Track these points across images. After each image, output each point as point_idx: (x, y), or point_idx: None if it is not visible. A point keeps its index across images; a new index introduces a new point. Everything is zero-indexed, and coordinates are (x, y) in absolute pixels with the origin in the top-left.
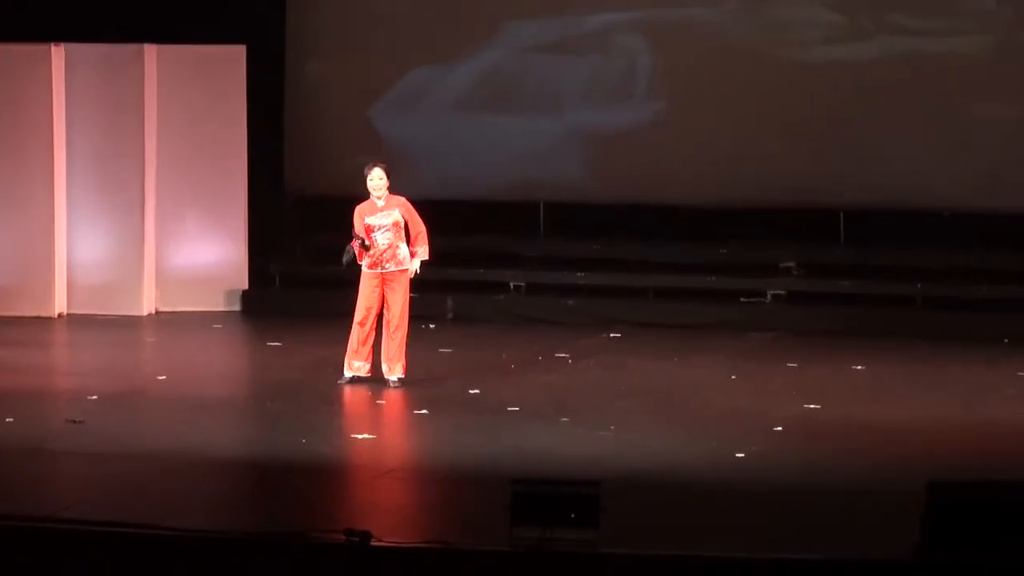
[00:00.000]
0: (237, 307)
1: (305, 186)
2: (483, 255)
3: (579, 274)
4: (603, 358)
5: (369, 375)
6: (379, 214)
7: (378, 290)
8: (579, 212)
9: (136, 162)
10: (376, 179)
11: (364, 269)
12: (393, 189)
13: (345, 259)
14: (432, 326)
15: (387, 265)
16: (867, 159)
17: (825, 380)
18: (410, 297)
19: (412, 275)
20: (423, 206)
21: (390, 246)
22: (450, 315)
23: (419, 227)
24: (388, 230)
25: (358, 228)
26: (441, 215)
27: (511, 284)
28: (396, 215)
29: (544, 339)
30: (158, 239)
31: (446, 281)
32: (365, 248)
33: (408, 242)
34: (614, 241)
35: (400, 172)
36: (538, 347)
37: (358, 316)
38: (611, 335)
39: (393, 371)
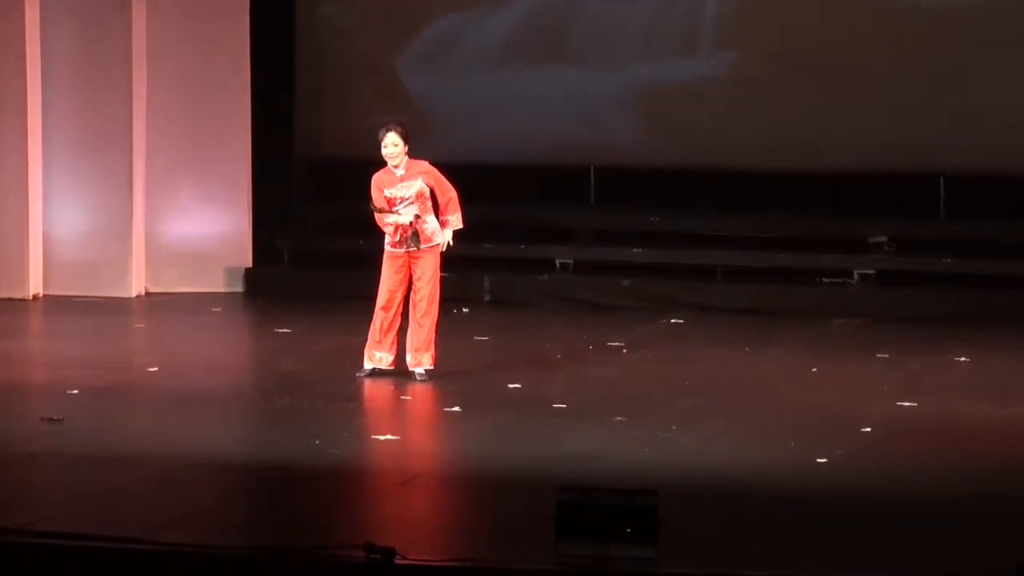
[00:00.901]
0: (239, 288)
1: (319, 148)
2: (525, 228)
3: (635, 250)
4: (663, 348)
5: (392, 367)
6: (399, 185)
7: (404, 270)
8: (635, 178)
9: (122, 122)
10: (390, 146)
11: (387, 248)
12: (419, 152)
13: (412, 241)
14: (466, 310)
15: (412, 242)
16: (972, 119)
17: (921, 373)
18: (441, 277)
19: (443, 248)
20: (455, 172)
21: (416, 221)
22: (487, 297)
23: (448, 192)
24: (412, 202)
25: (377, 200)
26: (476, 182)
27: (557, 262)
28: (419, 184)
29: (595, 325)
30: (148, 209)
31: (482, 258)
32: (414, 219)
33: (436, 212)
34: (676, 212)
35: (429, 133)
36: (588, 335)
37: (381, 300)
38: (672, 321)
39: (420, 362)
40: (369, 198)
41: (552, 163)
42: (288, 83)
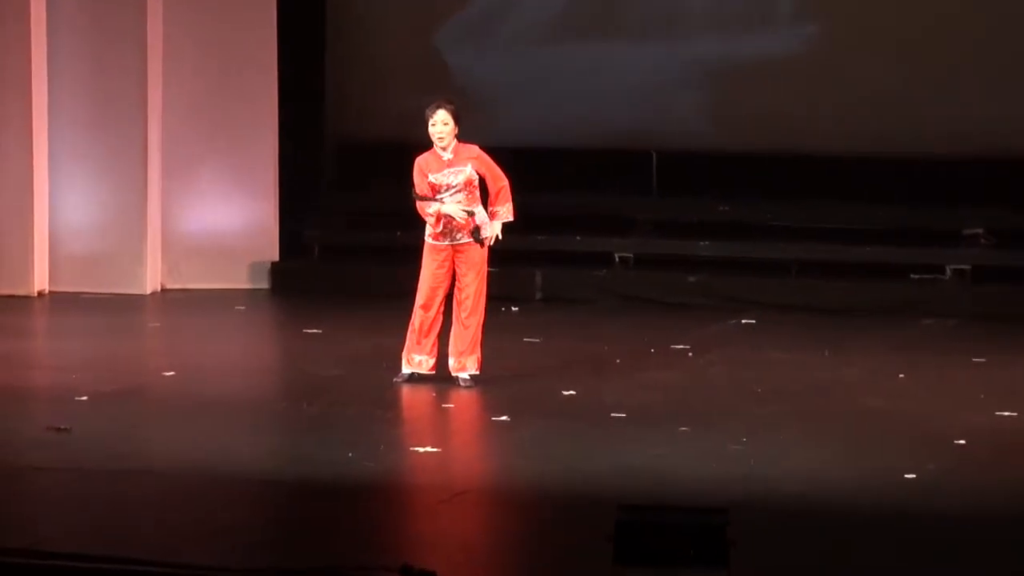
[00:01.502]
0: (265, 284)
1: (352, 132)
2: (580, 219)
3: (702, 243)
4: (733, 350)
5: (433, 372)
6: (447, 171)
7: (447, 266)
8: (701, 165)
9: (136, 102)
10: (439, 124)
11: (428, 240)
12: (464, 137)
13: (474, 237)
14: (515, 309)
15: (458, 235)
16: None
17: (1022, 380)
18: (488, 273)
19: (491, 242)
20: (503, 158)
21: (472, 218)
22: (539, 295)
23: (499, 180)
24: (459, 191)
25: (420, 187)
26: (527, 169)
27: (616, 256)
28: (468, 171)
29: (658, 326)
30: (165, 199)
31: (533, 252)
32: (470, 215)
33: (487, 202)
34: (746, 201)
35: (472, 115)
36: (650, 336)
37: (421, 298)
38: (743, 321)
39: (465, 367)
40: (411, 184)
41: (610, 148)
42: (318, 61)
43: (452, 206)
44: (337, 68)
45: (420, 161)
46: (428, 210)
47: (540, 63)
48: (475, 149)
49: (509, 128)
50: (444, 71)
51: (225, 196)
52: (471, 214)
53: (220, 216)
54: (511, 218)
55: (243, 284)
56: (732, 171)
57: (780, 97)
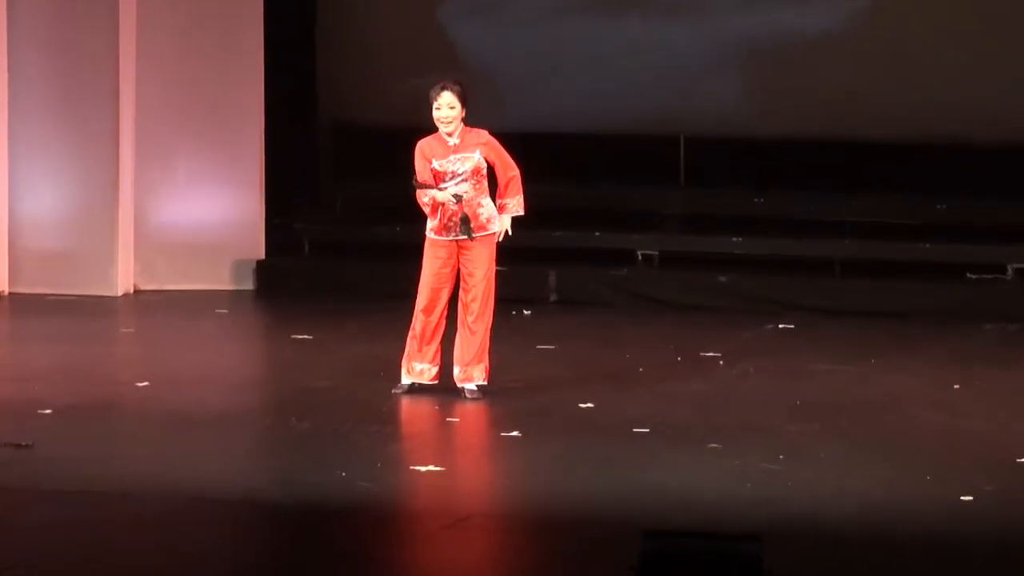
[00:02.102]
0: (249, 284)
1: (347, 116)
2: (599, 212)
3: (735, 239)
4: (769, 359)
5: (436, 382)
6: (452, 157)
7: (451, 264)
8: (735, 152)
9: (106, 82)
10: (444, 108)
11: (429, 235)
12: (472, 121)
13: (463, 229)
14: (527, 313)
15: (473, 237)
16: None
17: None
18: (497, 272)
19: (500, 238)
20: (514, 145)
21: (468, 203)
22: (553, 297)
23: (510, 170)
24: (465, 179)
25: (421, 174)
26: (540, 157)
27: (639, 253)
28: (476, 158)
29: (685, 331)
30: (138, 191)
31: (547, 249)
32: (458, 200)
33: (495, 194)
34: (785, 193)
35: (481, 98)
36: (677, 343)
37: (421, 301)
38: (780, 326)
39: (471, 377)
40: (412, 172)
41: (633, 133)
42: (309, 38)
43: (443, 192)
44: (330, 45)
45: (423, 145)
46: (423, 198)
47: (555, 40)
48: (484, 134)
49: (520, 111)
50: (448, 50)
51: (205, 187)
52: (459, 199)
53: (199, 209)
54: (522, 212)
55: (225, 285)
56: (769, 159)
57: (823, 77)
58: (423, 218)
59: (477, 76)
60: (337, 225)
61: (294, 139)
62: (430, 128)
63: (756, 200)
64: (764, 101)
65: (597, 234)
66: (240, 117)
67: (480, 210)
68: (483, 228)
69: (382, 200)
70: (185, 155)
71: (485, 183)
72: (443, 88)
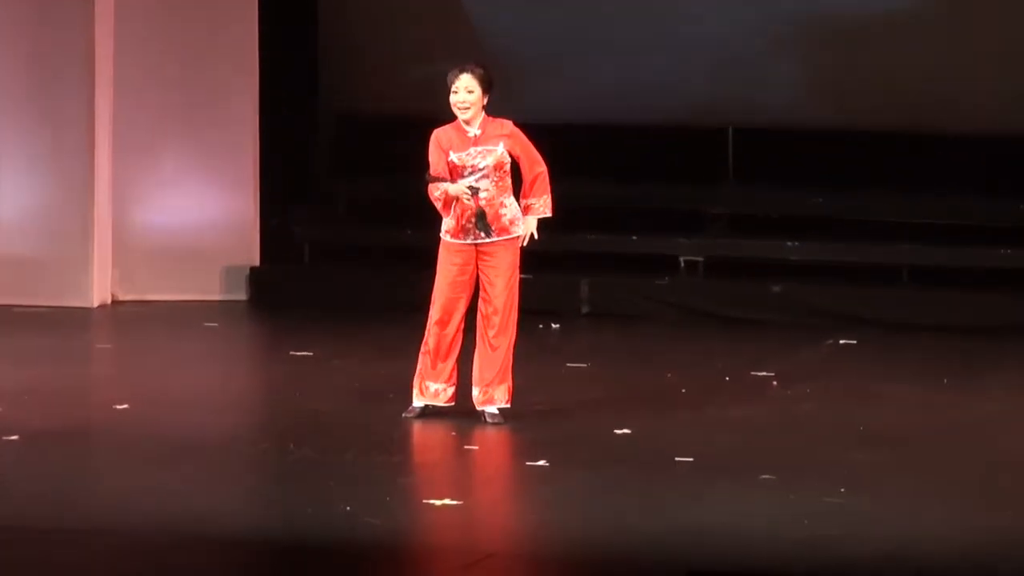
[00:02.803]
0: (242, 295)
1: (353, 105)
2: (636, 213)
3: (789, 243)
4: (828, 380)
5: (452, 404)
6: (472, 150)
7: (469, 271)
8: (790, 145)
9: (79, 69)
10: (462, 92)
11: (445, 237)
12: (494, 110)
13: (479, 225)
14: (556, 327)
15: (491, 235)
16: None
17: None
18: (521, 281)
19: (525, 242)
20: (541, 137)
21: (490, 201)
22: (584, 309)
23: (537, 165)
24: (486, 175)
25: (436, 167)
26: (570, 151)
27: (681, 259)
28: (499, 152)
29: (733, 348)
30: (116, 191)
31: (578, 254)
32: (475, 194)
33: (519, 192)
34: (847, 192)
35: (507, 85)
36: (724, 361)
37: (436, 313)
38: (842, 342)
39: (492, 399)
40: (426, 166)
41: (675, 123)
42: (310, 18)
43: (456, 185)
44: (333, 27)
45: (439, 135)
46: (435, 192)
47: (587, 19)
48: (508, 125)
49: (548, 99)
50: (467, 30)
51: (192, 185)
52: (475, 191)
53: (186, 210)
54: (549, 213)
55: (215, 295)
56: (829, 153)
57: (892, 61)
58: (438, 219)
59: (499, 60)
60: (340, 227)
61: (292, 132)
62: (446, 117)
63: (814, 200)
64: (824, 88)
65: (634, 238)
66: (232, 107)
67: (503, 210)
68: (506, 231)
69: (391, 199)
70: (170, 150)
71: (509, 180)
72: (461, 71)
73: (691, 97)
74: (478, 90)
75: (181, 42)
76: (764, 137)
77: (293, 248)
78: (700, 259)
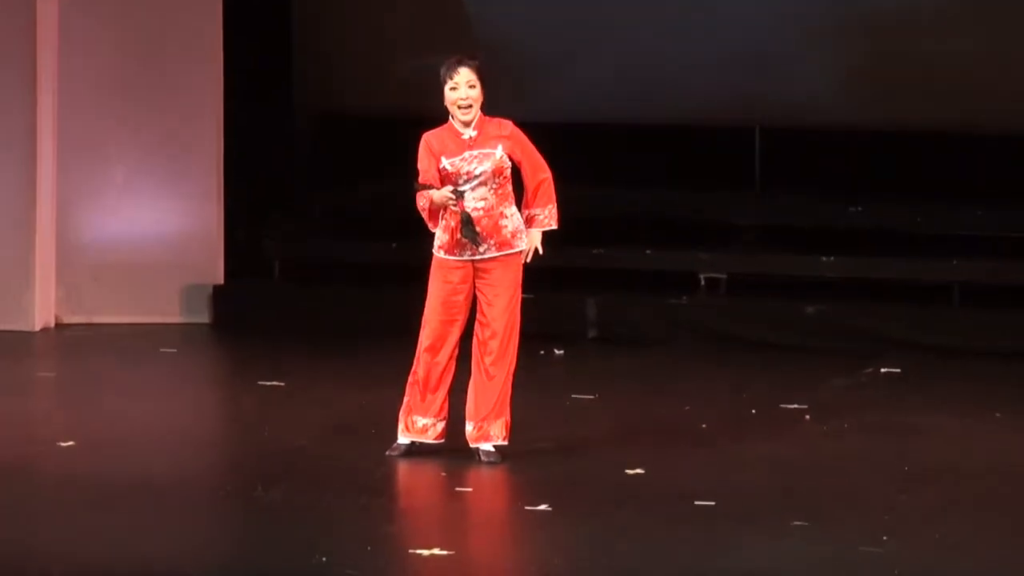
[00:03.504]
0: (204, 317)
1: (332, 104)
2: (651, 224)
3: (824, 258)
4: (869, 412)
5: (442, 441)
6: (467, 154)
7: (464, 291)
8: (826, 147)
9: (20, 68)
10: (463, 87)
11: (438, 253)
12: (492, 109)
13: (465, 232)
14: (559, 352)
15: (481, 247)
16: None
17: None
18: (522, 300)
19: (529, 258)
20: (544, 138)
21: (488, 211)
22: (592, 332)
23: (540, 171)
24: (484, 182)
25: (426, 175)
26: (576, 154)
27: (701, 277)
28: (498, 156)
29: (761, 377)
30: (61, 201)
31: (585, 271)
32: (459, 198)
33: (521, 202)
34: (887, 200)
35: (504, 79)
36: (751, 391)
37: (426, 338)
38: (883, 370)
39: (488, 435)
40: (414, 173)
41: (695, 123)
42: (282, 9)
43: (440, 191)
44: (310, 13)
45: (430, 139)
46: (421, 203)
47: (596, 9)
48: (508, 125)
49: (550, 96)
50: (462, 20)
51: (147, 194)
52: (460, 196)
53: (140, 222)
54: (555, 225)
55: (173, 317)
56: (867, 157)
57: (939, 55)
58: (429, 232)
59: (496, 51)
60: (317, 240)
61: (262, 134)
62: (436, 117)
63: (852, 209)
64: (862, 83)
65: (648, 252)
66: (192, 104)
67: (503, 222)
68: (507, 244)
69: (375, 208)
70: (121, 152)
71: (509, 187)
72: (459, 63)
73: (712, 93)
74: (479, 85)
75: (134, 32)
76: (795, 138)
77: (262, 264)
78: (723, 276)
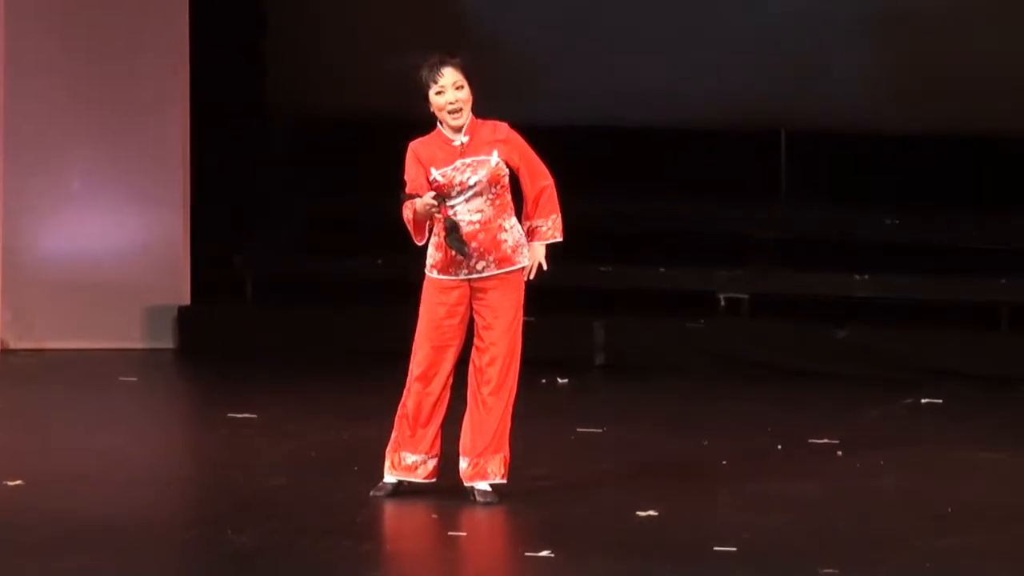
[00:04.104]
0: (168, 341)
1: (308, 105)
2: (664, 238)
3: (858, 276)
4: (906, 448)
5: (433, 480)
6: (459, 163)
7: (460, 313)
8: (858, 153)
9: None
10: (450, 89)
11: (431, 273)
12: (483, 110)
13: (450, 241)
14: (563, 381)
15: (478, 264)
16: None
17: None
18: (523, 323)
19: (532, 275)
20: (548, 143)
21: (486, 225)
22: (599, 359)
23: (541, 178)
24: (479, 193)
25: (413, 183)
26: (584, 160)
27: (720, 297)
28: (495, 163)
29: (788, 408)
30: (7, 211)
31: (592, 290)
32: (442, 202)
33: (521, 213)
34: (925, 211)
35: (499, 78)
36: (775, 424)
37: (418, 366)
38: (923, 401)
39: (484, 472)
40: (402, 183)
41: (714, 127)
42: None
43: (422, 198)
44: (284, 13)
45: (417, 148)
46: (405, 213)
47: (605, 2)
48: (503, 128)
49: (552, 97)
50: (451, 13)
51: (105, 204)
52: (442, 200)
53: (97, 237)
54: (560, 237)
55: (133, 342)
56: (904, 164)
57: (983, 53)
58: (418, 247)
59: (492, 48)
60: (293, 257)
61: (233, 139)
62: (425, 119)
63: (887, 221)
64: (898, 84)
65: (662, 270)
66: (156, 105)
67: (502, 235)
68: (507, 261)
69: (358, 221)
70: (77, 162)
71: (508, 197)
72: (442, 63)
73: (734, 95)
74: (467, 87)
75: (90, 26)
76: (823, 144)
77: (233, 282)
78: (744, 296)
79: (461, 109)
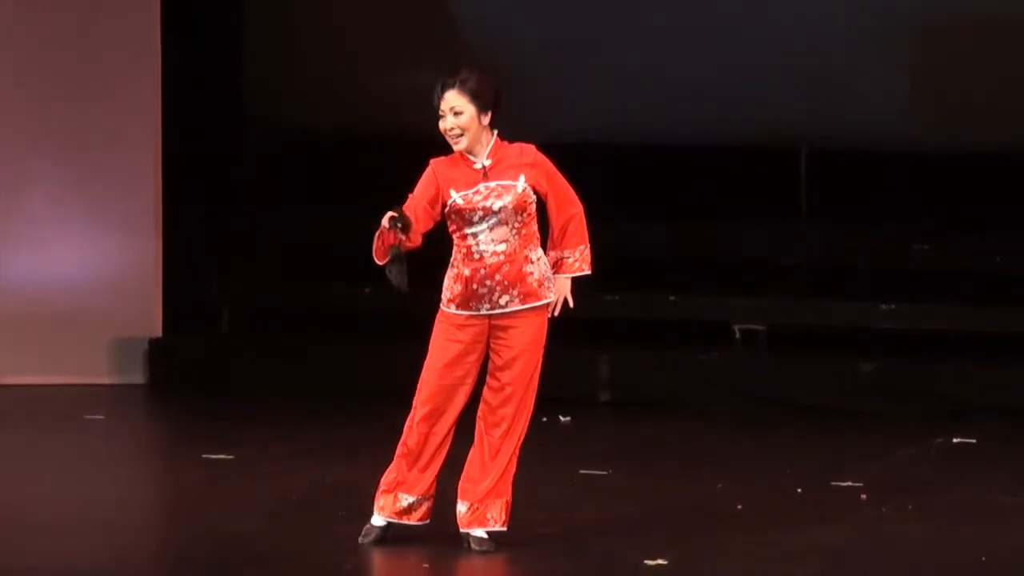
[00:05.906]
0: (138, 377)
1: (292, 119)
2: (677, 264)
3: (884, 306)
4: (938, 491)
5: (425, 521)
6: (482, 187)
7: (477, 351)
8: (884, 174)
9: None
10: (449, 115)
11: (446, 308)
12: (504, 132)
13: (393, 278)
14: (566, 420)
15: (501, 298)
16: None
17: None
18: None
19: (557, 310)
20: (561, 163)
21: (511, 257)
22: (605, 396)
23: (570, 206)
24: (503, 221)
25: (414, 199)
26: (589, 179)
27: (736, 328)
28: (521, 188)
29: (809, 448)
30: None
31: (596, 321)
32: (402, 229)
33: (547, 243)
34: (958, 235)
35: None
36: (795, 465)
37: (423, 405)
38: (955, 440)
39: (483, 518)
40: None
41: (730, 144)
42: (233, 7)
43: (386, 215)
44: (266, 22)
45: (437, 167)
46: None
47: (614, 12)
48: (531, 151)
49: (556, 111)
50: (452, 23)
51: (70, 227)
52: (403, 229)
53: (62, 262)
54: (588, 270)
55: (100, 377)
56: (936, 184)
57: (1017, 73)
58: (429, 280)
59: (492, 59)
60: (274, 284)
61: (209, 157)
62: (422, 134)
63: (916, 247)
64: (928, 99)
65: (672, 298)
66: (125, 119)
67: (528, 267)
68: (533, 295)
69: (347, 245)
70: (40, 182)
71: (534, 226)
72: (443, 87)
73: (752, 110)
74: (469, 109)
75: (54, 33)
76: (848, 162)
77: (208, 312)
78: (761, 327)
79: (461, 136)
